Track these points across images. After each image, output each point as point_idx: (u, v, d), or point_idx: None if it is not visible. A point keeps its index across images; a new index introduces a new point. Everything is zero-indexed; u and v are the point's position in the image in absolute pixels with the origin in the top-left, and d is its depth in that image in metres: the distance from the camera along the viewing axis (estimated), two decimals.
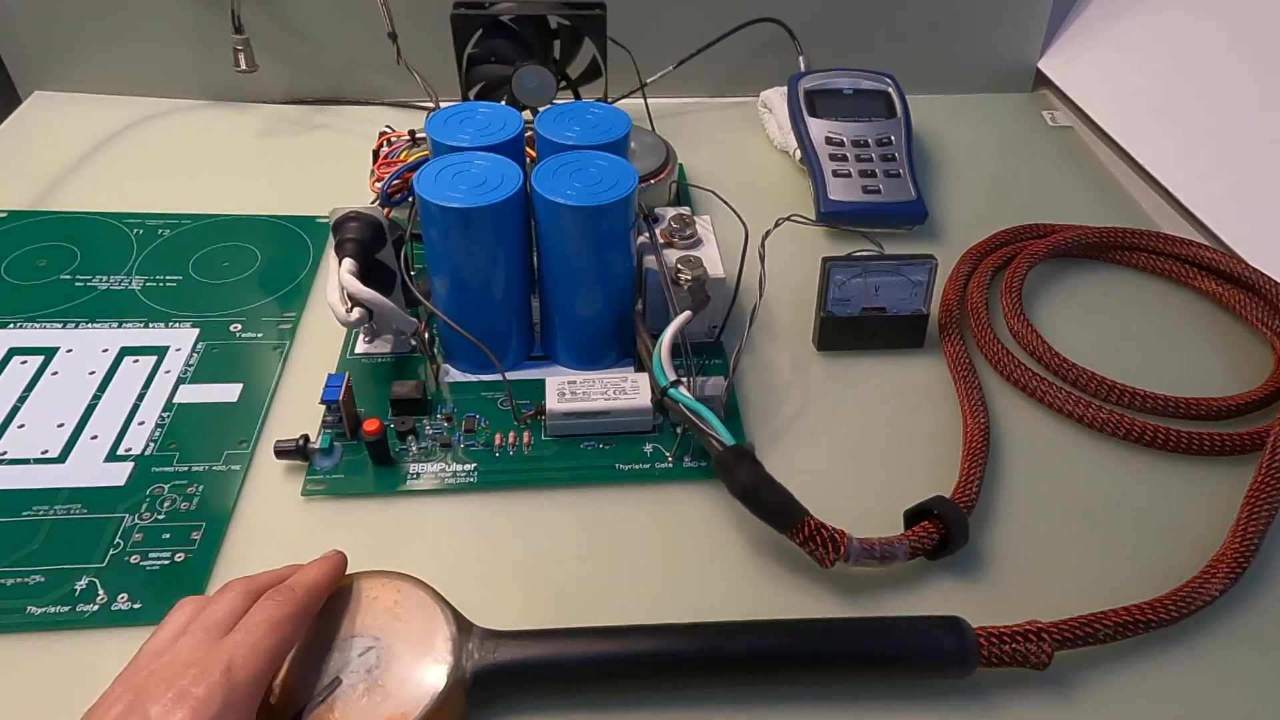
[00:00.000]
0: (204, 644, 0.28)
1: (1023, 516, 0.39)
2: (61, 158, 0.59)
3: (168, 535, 0.36)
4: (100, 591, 0.34)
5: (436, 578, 0.33)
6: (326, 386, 0.40)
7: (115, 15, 0.62)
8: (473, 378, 0.44)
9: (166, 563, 0.35)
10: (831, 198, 0.55)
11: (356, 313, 0.41)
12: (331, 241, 0.42)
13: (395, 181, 0.46)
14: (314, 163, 0.61)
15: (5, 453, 0.39)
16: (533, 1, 0.57)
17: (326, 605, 0.32)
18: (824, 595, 0.36)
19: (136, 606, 0.34)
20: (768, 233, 0.45)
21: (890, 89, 0.61)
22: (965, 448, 0.41)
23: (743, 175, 0.61)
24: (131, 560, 0.35)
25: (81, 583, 0.34)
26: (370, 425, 0.38)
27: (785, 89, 0.62)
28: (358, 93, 0.67)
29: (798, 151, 0.60)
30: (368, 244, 0.41)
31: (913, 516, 0.37)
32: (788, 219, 0.47)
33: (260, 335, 0.46)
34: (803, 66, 0.65)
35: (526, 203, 0.41)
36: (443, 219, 0.39)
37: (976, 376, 0.44)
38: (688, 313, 0.40)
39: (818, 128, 0.58)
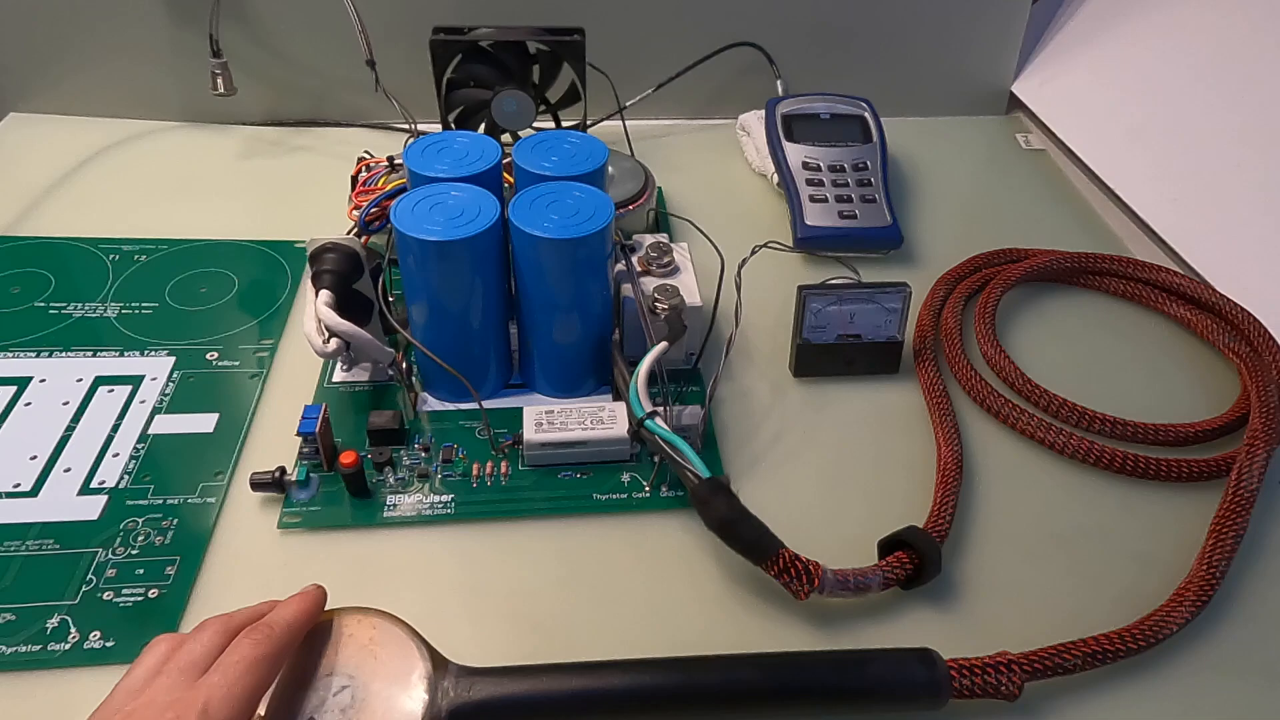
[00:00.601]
0: (180, 685, 0.27)
1: (995, 544, 0.40)
2: (36, 180, 0.59)
3: (141, 571, 0.36)
4: (72, 629, 0.34)
5: (414, 611, 0.33)
6: (303, 418, 0.40)
7: (92, 36, 0.62)
8: (451, 406, 0.44)
9: (140, 599, 0.35)
10: (808, 223, 0.55)
11: (333, 344, 0.41)
12: (309, 269, 0.42)
13: (373, 210, 0.46)
14: (292, 186, 0.61)
15: None
16: (511, 27, 0.58)
17: (303, 642, 0.32)
18: (799, 626, 0.36)
19: (109, 644, 0.34)
20: (744, 261, 0.45)
21: (866, 114, 0.61)
22: (939, 475, 0.41)
23: (721, 198, 0.61)
24: (105, 597, 0.35)
25: (53, 620, 0.34)
26: (346, 458, 0.38)
27: (763, 113, 0.63)
28: (337, 114, 0.67)
29: (775, 175, 0.60)
30: (345, 275, 0.41)
31: (886, 546, 0.37)
32: (764, 246, 0.48)
33: (238, 363, 0.46)
34: (780, 90, 0.66)
35: (504, 233, 0.41)
36: (420, 251, 0.39)
37: (950, 403, 0.45)
38: (664, 343, 0.40)
39: (795, 152, 0.59)
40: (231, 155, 0.64)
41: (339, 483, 0.40)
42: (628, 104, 0.63)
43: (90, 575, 0.36)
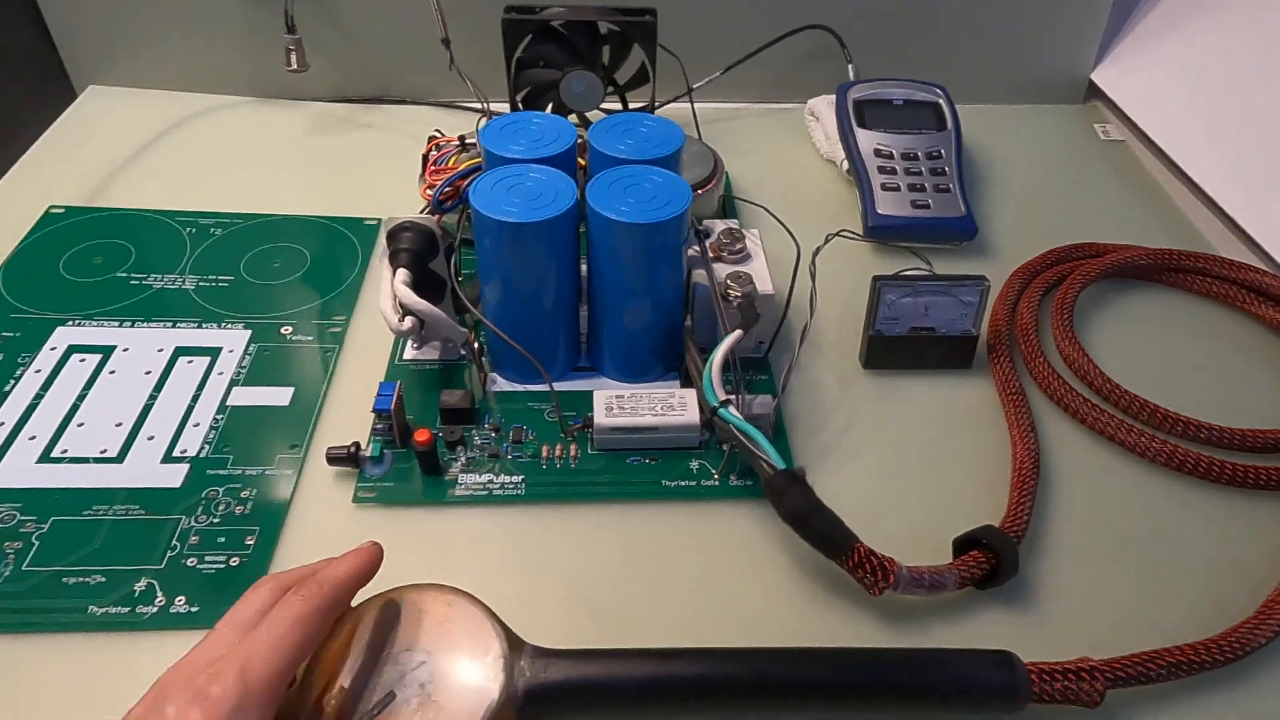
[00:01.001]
0: (227, 641, 0.28)
1: (1072, 547, 0.39)
2: (115, 153, 0.60)
3: (223, 539, 0.37)
4: (159, 594, 0.35)
5: (483, 589, 0.34)
6: (378, 395, 0.40)
7: (169, 11, 0.63)
8: (519, 387, 0.44)
9: (222, 566, 0.36)
10: (880, 211, 0.54)
11: (408, 322, 0.41)
12: (379, 245, 0.42)
13: (447, 189, 0.46)
14: (361, 163, 0.61)
15: (66, 451, 0.40)
16: (583, 7, 0.57)
17: (378, 617, 0.32)
18: (870, 622, 0.35)
19: (194, 609, 0.35)
20: (818, 249, 0.44)
21: (941, 100, 0.60)
22: (1014, 474, 0.41)
23: (788, 185, 0.60)
24: (188, 563, 0.36)
25: (140, 584, 0.35)
26: (421, 435, 0.39)
27: (834, 98, 0.62)
28: (404, 92, 0.67)
29: (845, 162, 0.59)
30: (421, 254, 0.41)
31: (962, 545, 0.37)
32: (837, 234, 0.47)
33: (310, 338, 0.47)
34: (851, 75, 0.64)
35: (579, 217, 0.41)
36: (497, 232, 0.39)
37: (1026, 400, 0.44)
38: (739, 332, 0.40)
39: (866, 139, 0.58)
40: (300, 131, 0.64)
41: (411, 459, 0.40)
42: (696, 85, 0.62)
43: (175, 541, 0.37)
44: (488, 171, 0.41)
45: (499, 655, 0.31)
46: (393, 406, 0.40)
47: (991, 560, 0.36)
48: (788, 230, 0.45)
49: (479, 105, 0.57)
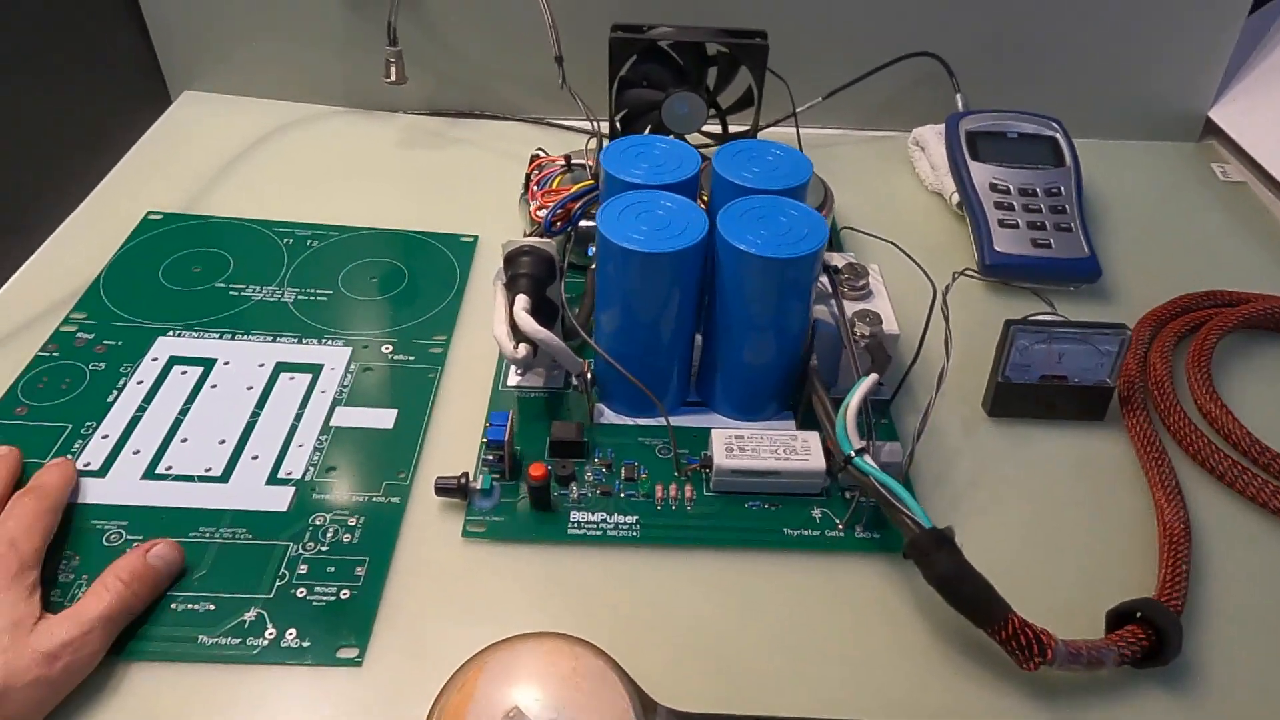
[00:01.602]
0: None
1: (1232, 622, 0.36)
2: (209, 160, 0.60)
3: (332, 569, 0.36)
4: (269, 625, 0.33)
5: (600, 637, 0.32)
6: (489, 425, 0.39)
7: (268, 17, 0.63)
8: (627, 421, 0.43)
9: (332, 599, 0.35)
10: (997, 249, 0.52)
11: (523, 349, 0.39)
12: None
13: (559, 212, 0.45)
14: (453, 177, 0.60)
15: (170, 468, 0.39)
16: (692, 28, 0.56)
17: (497, 668, 0.30)
18: (1019, 697, 0.33)
19: (305, 644, 0.33)
20: (948, 287, 0.42)
21: (1058, 135, 0.57)
22: (1164, 540, 0.38)
23: (892, 216, 0.58)
24: (298, 593, 0.35)
25: (250, 614, 0.34)
26: (537, 470, 0.37)
27: (941, 127, 0.60)
28: (494, 107, 0.66)
29: (955, 195, 0.57)
30: (541, 279, 0.40)
31: (1116, 618, 0.34)
32: (962, 274, 0.45)
33: (412, 359, 0.46)
34: (960, 105, 0.62)
35: (708, 250, 0.39)
36: (623, 259, 0.38)
37: (1168, 458, 0.41)
38: (874, 376, 0.38)
39: (981, 172, 0.55)
40: (392, 143, 0.63)
41: (520, 493, 0.39)
42: (799, 109, 0.60)
43: (283, 570, 0.35)
44: (616, 196, 0.39)
45: (634, 715, 0.29)
46: (506, 437, 0.38)
47: (1151, 637, 0.33)
48: (920, 266, 0.42)
49: (581, 124, 0.55)
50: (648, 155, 0.42)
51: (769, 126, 0.61)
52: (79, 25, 0.56)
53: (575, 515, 0.38)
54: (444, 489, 0.38)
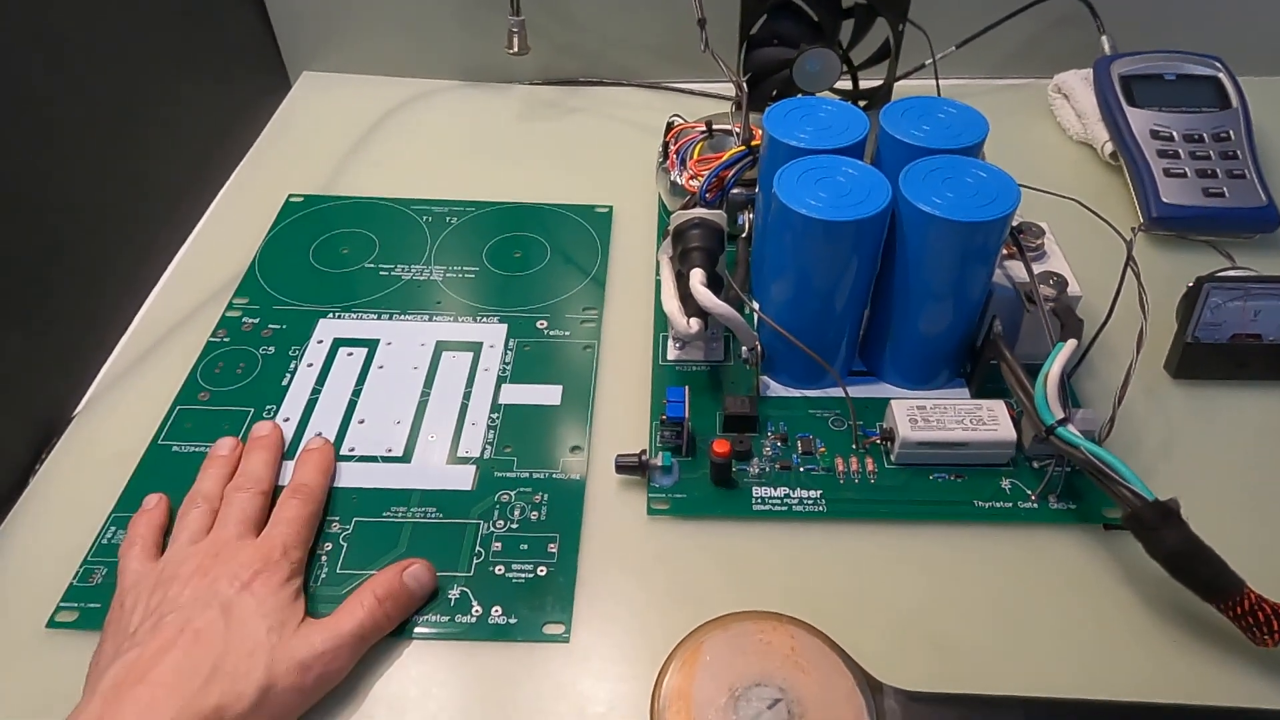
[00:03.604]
0: (237, 536, 0.34)
1: None
2: (335, 139, 0.60)
3: (525, 546, 0.36)
4: (474, 603, 0.34)
5: (801, 614, 0.31)
6: (669, 401, 0.38)
7: None
8: (794, 392, 0.42)
9: (530, 576, 0.35)
10: (1165, 200, 0.49)
11: (695, 324, 0.39)
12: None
13: (713, 180, 0.44)
14: (577, 147, 0.59)
15: (354, 449, 0.40)
16: None
17: (717, 647, 0.30)
18: (1251, 676, 0.32)
19: (512, 621, 0.34)
20: (1130, 242, 0.40)
21: (1221, 74, 0.54)
22: None
23: (1035, 170, 0.54)
24: (496, 571, 0.35)
25: (454, 592, 0.34)
26: (721, 447, 0.37)
27: (1087, 72, 0.56)
28: (607, 73, 0.65)
29: (1107, 145, 0.54)
30: (713, 252, 0.39)
31: None
32: (1141, 228, 0.43)
33: (567, 333, 0.45)
34: (1106, 47, 0.58)
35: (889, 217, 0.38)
36: (802, 227, 0.36)
37: None
38: (1074, 342, 0.36)
39: (1140, 119, 0.52)
40: (512, 115, 0.63)
41: (699, 469, 0.39)
42: (930, 60, 0.58)
43: (478, 548, 0.36)
44: (792, 163, 0.38)
45: (861, 697, 0.29)
46: (685, 414, 0.38)
47: None
48: (1108, 223, 0.40)
49: (702, 86, 0.54)
50: (812, 118, 0.41)
51: (902, 77, 0.59)
52: (204, 14, 0.56)
53: (757, 491, 0.38)
54: (625, 466, 0.38)
